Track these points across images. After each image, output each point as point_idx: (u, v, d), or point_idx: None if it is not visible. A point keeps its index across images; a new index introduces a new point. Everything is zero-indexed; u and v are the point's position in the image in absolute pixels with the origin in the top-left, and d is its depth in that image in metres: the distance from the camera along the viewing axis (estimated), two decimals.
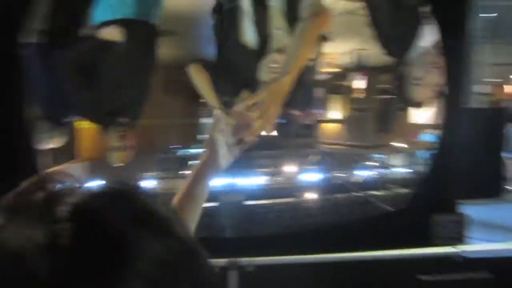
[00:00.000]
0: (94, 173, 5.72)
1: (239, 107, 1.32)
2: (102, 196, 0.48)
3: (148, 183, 9.60)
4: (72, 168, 5.69)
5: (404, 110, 8.23)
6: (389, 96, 7.35)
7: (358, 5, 3.78)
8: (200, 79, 2.27)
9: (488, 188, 4.02)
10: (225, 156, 1.26)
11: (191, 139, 10.67)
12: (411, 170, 7.69)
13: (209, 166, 1.24)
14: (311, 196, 8.66)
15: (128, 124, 2.59)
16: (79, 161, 5.58)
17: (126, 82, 2.54)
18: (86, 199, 0.47)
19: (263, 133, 1.36)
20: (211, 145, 1.26)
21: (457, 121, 2.79)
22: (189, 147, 11.93)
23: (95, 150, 5.69)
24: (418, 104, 2.96)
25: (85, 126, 5.55)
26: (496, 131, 4.14)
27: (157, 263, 0.42)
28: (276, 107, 1.39)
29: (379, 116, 8.21)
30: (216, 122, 1.30)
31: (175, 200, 1.12)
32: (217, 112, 2.16)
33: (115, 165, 2.62)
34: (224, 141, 1.26)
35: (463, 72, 2.78)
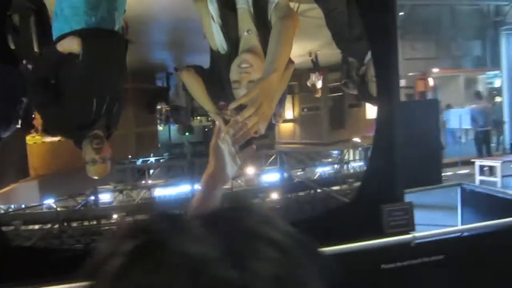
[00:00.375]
0: (47, 190, 5.55)
1: (232, 106, 1.30)
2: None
3: (105, 196, 9.45)
4: (25, 185, 5.49)
5: (359, 106, 8.46)
6: (341, 94, 7.60)
7: (308, 7, 3.87)
8: (193, 85, 2.15)
9: (429, 175, 4.24)
10: (230, 166, 1.20)
11: (149, 149, 10.50)
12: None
13: (217, 178, 1.16)
14: (273, 195, 8.83)
15: (103, 135, 2.43)
16: (32, 178, 5.38)
17: (91, 94, 2.42)
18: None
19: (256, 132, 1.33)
20: (216, 156, 1.19)
21: (394, 114, 2.84)
22: (147, 157, 11.78)
23: (47, 166, 5.53)
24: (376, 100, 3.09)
25: (36, 142, 5.38)
26: (432, 121, 4.36)
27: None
28: (269, 104, 1.37)
29: (333, 114, 8.46)
30: (217, 132, 1.22)
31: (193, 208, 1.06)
32: (215, 118, 2.08)
33: (94, 178, 2.48)
34: (227, 150, 1.20)
35: (393, 67, 2.87)
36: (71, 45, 2.38)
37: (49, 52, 2.48)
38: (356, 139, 8.26)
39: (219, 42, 1.98)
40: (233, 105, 1.33)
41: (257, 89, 1.36)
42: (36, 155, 5.41)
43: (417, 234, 2.68)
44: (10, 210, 7.27)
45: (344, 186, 8.64)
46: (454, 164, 8.14)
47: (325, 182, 8.85)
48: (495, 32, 10.22)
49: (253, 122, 1.27)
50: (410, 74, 9.31)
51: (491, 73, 10.78)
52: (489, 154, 8.34)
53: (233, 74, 1.86)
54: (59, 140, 5.58)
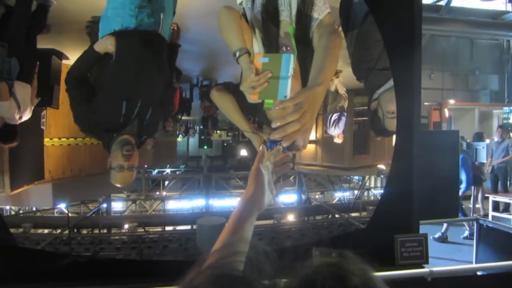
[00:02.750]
0: (60, 194, 5.51)
1: (274, 124, 1.19)
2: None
3: (117, 205, 9.43)
4: (39, 188, 5.47)
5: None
6: (366, 118, 7.44)
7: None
8: (225, 104, 1.97)
9: (446, 208, 4.14)
10: (268, 194, 1.13)
11: (167, 160, 10.48)
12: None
13: (255, 204, 1.09)
14: (289, 217, 8.65)
15: (134, 142, 2.32)
16: (46, 181, 5.36)
17: (120, 94, 2.33)
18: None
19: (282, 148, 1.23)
20: (257, 181, 1.12)
21: (414, 144, 2.85)
22: (164, 168, 11.77)
23: (63, 169, 5.50)
24: (392, 134, 3.02)
25: (53, 144, 5.37)
26: (452, 152, 4.26)
27: None
28: (311, 116, 1.27)
29: (357, 138, 8.28)
30: (260, 156, 1.15)
31: (223, 238, 1.01)
32: (251, 137, 1.95)
33: (117, 185, 2.37)
34: (268, 178, 1.14)
35: (416, 98, 2.88)
36: (106, 45, 2.34)
37: (88, 50, 2.42)
38: (381, 166, 8.05)
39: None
40: (278, 105, 1.27)
41: (302, 96, 1.25)
42: (52, 157, 5.42)
43: (434, 269, 2.62)
44: (21, 212, 7.28)
45: (364, 213, 8.41)
46: (467, 198, 7.93)
47: (344, 208, 8.63)
48: None
49: (295, 129, 1.20)
50: (426, 103, 9.27)
51: (508, 108, 10.71)
52: (505, 190, 8.10)
53: None
54: (77, 144, 5.58)
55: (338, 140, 6.81)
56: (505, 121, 10.66)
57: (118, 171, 2.25)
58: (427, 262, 2.77)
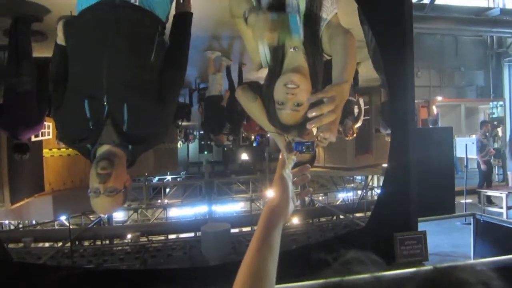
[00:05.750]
0: (61, 206, 5.49)
1: (288, 113, 1.20)
2: None
3: (118, 214, 9.36)
4: (40, 200, 5.43)
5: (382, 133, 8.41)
6: (367, 118, 7.44)
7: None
8: (250, 104, 1.88)
9: (442, 204, 4.22)
10: (292, 201, 1.11)
11: (168, 166, 10.43)
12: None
13: (281, 213, 1.06)
14: (294, 220, 8.60)
15: (115, 158, 1.76)
16: (47, 193, 5.33)
17: (82, 92, 1.80)
18: None
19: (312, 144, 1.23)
20: (282, 188, 1.10)
21: (409, 142, 2.88)
22: (164, 175, 11.72)
23: (63, 181, 5.48)
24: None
25: (53, 155, 5.36)
26: (446, 149, 4.33)
27: None
28: (339, 111, 1.28)
29: (359, 138, 8.27)
30: (281, 163, 1.13)
31: (252, 252, 0.97)
32: (276, 139, 1.90)
33: (99, 214, 1.84)
34: (290, 184, 1.11)
35: (409, 95, 2.90)
36: (59, 33, 1.91)
37: (55, 45, 1.99)
38: (385, 165, 8.04)
39: (263, 56, 1.86)
40: (312, 98, 1.28)
41: (334, 90, 1.26)
42: (52, 168, 5.44)
43: (438, 266, 2.67)
44: (20, 226, 7.25)
45: (368, 213, 8.39)
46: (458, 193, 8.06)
47: (349, 208, 8.61)
48: (497, 63, 10.61)
49: (331, 119, 1.20)
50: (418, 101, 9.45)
51: (494, 103, 11.07)
52: (489, 185, 8.31)
53: (278, 94, 1.75)
54: (76, 154, 5.57)
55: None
56: (492, 116, 10.96)
57: (93, 196, 1.72)
58: (426, 259, 2.81)
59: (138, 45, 1.86)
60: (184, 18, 2.09)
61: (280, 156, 1.15)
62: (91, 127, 1.78)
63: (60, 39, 1.90)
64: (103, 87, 1.77)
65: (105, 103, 1.76)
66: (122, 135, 1.80)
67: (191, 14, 2.10)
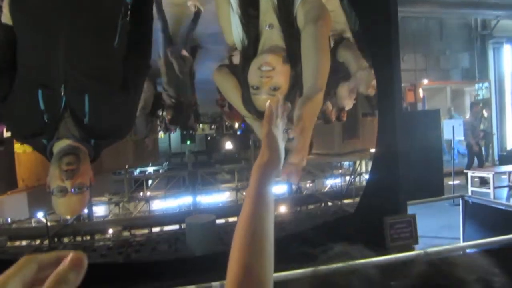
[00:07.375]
0: (37, 202, 5.28)
1: (263, 98, 1.20)
2: None
3: (99, 209, 9.17)
4: (13, 198, 5.25)
5: (373, 115, 8.41)
6: (354, 102, 7.36)
7: None
8: (227, 87, 1.74)
9: (431, 186, 4.28)
10: (282, 156, 1.07)
11: (148, 158, 10.23)
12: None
13: (272, 169, 1.03)
14: (280, 208, 8.54)
15: (80, 152, 1.59)
16: (20, 190, 5.14)
17: (34, 81, 1.62)
18: None
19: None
20: (271, 144, 1.05)
21: (396, 125, 2.89)
22: (146, 167, 11.52)
23: (37, 177, 5.27)
24: None
25: (25, 150, 5.12)
26: (434, 132, 4.39)
27: None
28: (310, 132, 1.22)
29: (345, 123, 8.20)
30: (268, 118, 1.06)
31: (247, 212, 0.92)
32: (252, 124, 1.77)
33: (62, 215, 1.68)
34: (280, 139, 1.07)
35: (396, 78, 2.93)
36: (4, 10, 1.69)
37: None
38: (373, 150, 8.02)
39: (237, 36, 1.70)
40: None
41: (304, 113, 1.17)
42: (25, 164, 5.23)
43: (428, 250, 2.67)
44: None
45: (357, 199, 8.36)
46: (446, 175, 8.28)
47: (337, 195, 8.59)
48: (482, 45, 10.85)
49: (300, 144, 1.14)
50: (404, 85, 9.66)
51: (479, 85, 11.36)
52: (480, 166, 8.54)
53: (252, 78, 1.60)
54: None
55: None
56: (477, 98, 11.19)
57: (59, 196, 1.53)
58: (416, 242, 2.84)
59: (99, 28, 1.65)
60: None
61: (267, 111, 1.07)
62: (46, 120, 1.60)
63: (6, 17, 1.68)
64: (60, 76, 1.58)
65: (62, 94, 1.58)
66: (83, 129, 1.63)
67: None
